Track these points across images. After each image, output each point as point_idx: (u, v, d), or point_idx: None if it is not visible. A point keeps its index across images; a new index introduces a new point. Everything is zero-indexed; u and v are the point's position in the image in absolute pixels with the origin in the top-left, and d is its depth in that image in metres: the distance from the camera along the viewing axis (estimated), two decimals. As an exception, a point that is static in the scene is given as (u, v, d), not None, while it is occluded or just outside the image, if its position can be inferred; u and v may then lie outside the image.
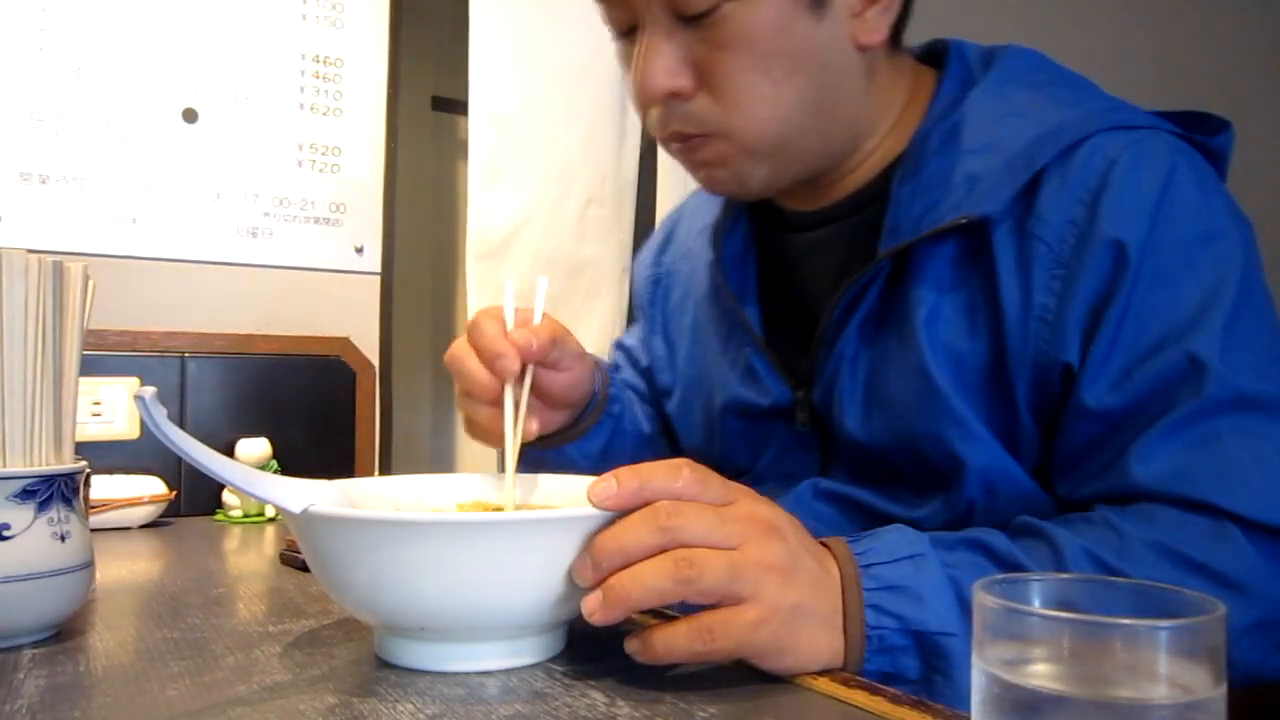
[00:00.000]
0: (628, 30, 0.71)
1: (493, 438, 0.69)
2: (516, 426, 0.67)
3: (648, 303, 0.97)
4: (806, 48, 0.67)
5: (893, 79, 0.74)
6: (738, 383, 0.80)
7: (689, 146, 0.71)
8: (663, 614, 0.54)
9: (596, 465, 0.84)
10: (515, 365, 0.66)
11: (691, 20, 0.66)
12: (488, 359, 0.67)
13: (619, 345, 1.02)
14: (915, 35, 0.76)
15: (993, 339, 0.65)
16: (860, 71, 0.71)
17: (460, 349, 0.69)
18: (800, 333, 0.76)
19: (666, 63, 0.67)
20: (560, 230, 1.71)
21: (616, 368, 1.00)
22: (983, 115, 0.69)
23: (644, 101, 0.70)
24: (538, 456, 0.82)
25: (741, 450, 0.82)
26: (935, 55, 0.78)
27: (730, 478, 0.53)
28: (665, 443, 0.95)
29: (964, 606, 0.53)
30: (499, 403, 0.67)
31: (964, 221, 0.64)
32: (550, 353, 0.69)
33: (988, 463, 0.65)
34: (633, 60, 0.69)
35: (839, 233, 0.76)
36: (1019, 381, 0.64)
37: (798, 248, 0.79)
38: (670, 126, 0.70)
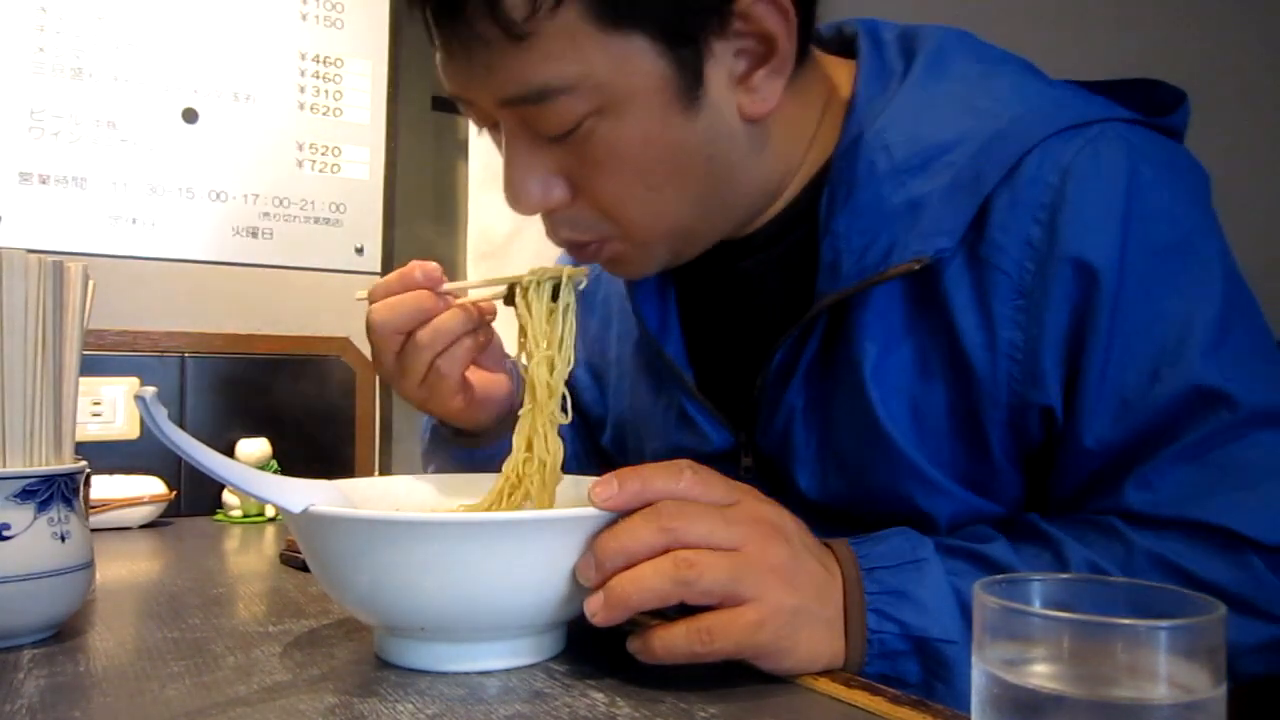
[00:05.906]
0: (492, 124, 0.64)
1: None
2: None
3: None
4: (684, 148, 0.60)
5: (801, 105, 0.65)
6: (674, 430, 0.73)
7: (586, 252, 0.66)
8: (666, 615, 0.54)
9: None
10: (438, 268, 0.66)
11: (554, 139, 0.60)
12: (410, 277, 0.68)
13: None
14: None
15: (955, 381, 0.60)
16: (753, 142, 0.63)
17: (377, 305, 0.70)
18: (735, 369, 0.70)
19: (536, 176, 0.61)
20: (562, 231, 1.70)
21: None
22: (913, 121, 0.62)
23: (520, 213, 0.63)
24: (482, 456, 0.78)
25: None
26: (845, 41, 0.69)
27: None
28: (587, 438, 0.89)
29: (965, 614, 0.52)
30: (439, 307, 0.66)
31: (916, 266, 0.58)
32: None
33: (955, 509, 0.61)
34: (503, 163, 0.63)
35: (769, 260, 0.69)
36: (991, 425, 0.59)
37: (723, 278, 0.72)
38: (561, 234, 0.65)
